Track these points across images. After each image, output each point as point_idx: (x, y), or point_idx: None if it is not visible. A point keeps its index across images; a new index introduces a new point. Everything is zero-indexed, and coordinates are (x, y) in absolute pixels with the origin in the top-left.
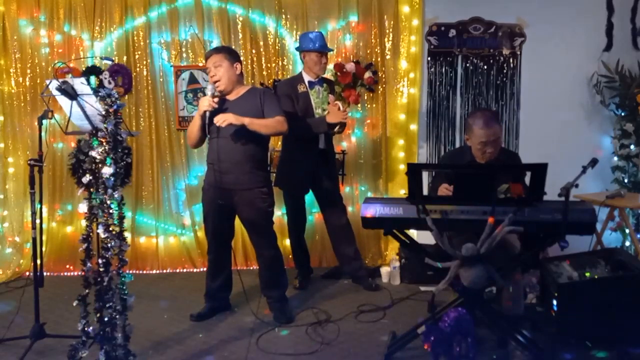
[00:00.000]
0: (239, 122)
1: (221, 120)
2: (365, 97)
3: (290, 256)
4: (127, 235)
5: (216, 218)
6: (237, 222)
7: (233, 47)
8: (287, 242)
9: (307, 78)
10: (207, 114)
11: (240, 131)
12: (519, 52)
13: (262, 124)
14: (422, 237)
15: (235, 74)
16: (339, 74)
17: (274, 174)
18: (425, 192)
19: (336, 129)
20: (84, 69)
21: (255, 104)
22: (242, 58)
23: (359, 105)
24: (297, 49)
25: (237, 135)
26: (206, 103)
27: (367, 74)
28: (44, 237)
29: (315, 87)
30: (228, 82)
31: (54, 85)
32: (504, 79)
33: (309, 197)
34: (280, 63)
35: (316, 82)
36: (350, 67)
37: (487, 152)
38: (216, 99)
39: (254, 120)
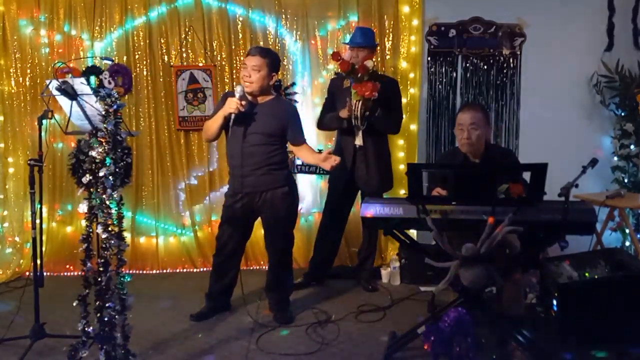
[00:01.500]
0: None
1: (328, 165)
2: None
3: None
4: (127, 235)
5: (235, 225)
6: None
7: (233, 47)
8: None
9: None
10: (233, 116)
11: (261, 136)
12: (519, 52)
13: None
14: (422, 237)
15: (268, 83)
16: (337, 63)
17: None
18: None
19: (355, 123)
20: (84, 69)
21: (281, 119)
22: (242, 58)
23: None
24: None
25: (250, 139)
26: (234, 106)
27: (369, 62)
28: (44, 237)
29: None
30: (258, 88)
31: (54, 85)
32: (504, 79)
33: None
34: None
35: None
36: (347, 54)
37: (463, 138)
38: (244, 102)
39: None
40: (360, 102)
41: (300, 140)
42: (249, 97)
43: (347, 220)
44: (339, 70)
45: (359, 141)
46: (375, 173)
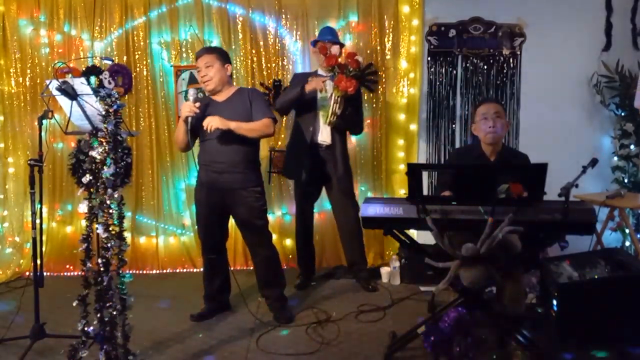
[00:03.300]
0: (224, 127)
1: (207, 124)
2: (365, 97)
3: (291, 256)
4: (127, 235)
5: (209, 219)
6: (232, 223)
7: (233, 47)
8: (288, 241)
9: (320, 72)
10: (190, 119)
11: (230, 132)
12: (519, 52)
13: (249, 128)
14: (422, 237)
15: (226, 75)
16: (323, 55)
17: (275, 173)
18: (425, 192)
19: (329, 119)
20: (84, 69)
21: (245, 105)
22: (242, 58)
23: (365, 100)
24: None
25: (228, 137)
26: (187, 109)
27: (356, 57)
28: (44, 237)
29: (326, 81)
30: (218, 82)
31: (54, 85)
32: (504, 79)
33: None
34: (280, 63)
35: (328, 77)
36: (334, 49)
37: (489, 127)
38: (198, 104)
39: (240, 124)
40: (340, 98)
41: (257, 117)
42: (214, 97)
43: (313, 211)
44: (325, 64)
45: (327, 139)
46: (344, 170)
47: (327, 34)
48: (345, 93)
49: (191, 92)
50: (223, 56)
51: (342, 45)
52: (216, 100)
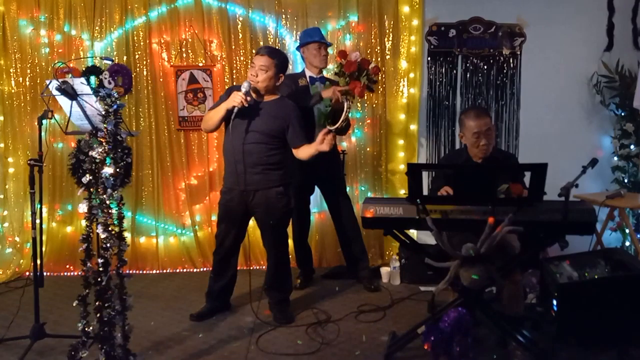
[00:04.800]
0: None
1: (327, 145)
2: (366, 97)
3: (291, 256)
4: (127, 235)
5: (231, 221)
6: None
7: (233, 47)
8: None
9: (308, 74)
10: (235, 109)
11: (261, 135)
12: (519, 52)
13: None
14: (422, 237)
15: (274, 84)
16: (343, 61)
17: None
18: (425, 192)
19: (337, 125)
20: (84, 69)
21: (283, 119)
22: (242, 58)
23: (365, 100)
24: (297, 48)
25: (258, 138)
26: (238, 100)
27: (372, 64)
28: (44, 237)
29: (316, 83)
30: (264, 88)
31: (54, 85)
32: (504, 79)
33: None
34: None
35: (317, 79)
36: (355, 55)
37: (482, 144)
38: (249, 98)
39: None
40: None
41: (298, 143)
42: (254, 95)
43: (309, 211)
44: (344, 70)
45: None
46: (338, 170)
47: (315, 34)
48: (353, 97)
49: (245, 85)
50: (282, 65)
51: (329, 45)
52: (258, 99)
